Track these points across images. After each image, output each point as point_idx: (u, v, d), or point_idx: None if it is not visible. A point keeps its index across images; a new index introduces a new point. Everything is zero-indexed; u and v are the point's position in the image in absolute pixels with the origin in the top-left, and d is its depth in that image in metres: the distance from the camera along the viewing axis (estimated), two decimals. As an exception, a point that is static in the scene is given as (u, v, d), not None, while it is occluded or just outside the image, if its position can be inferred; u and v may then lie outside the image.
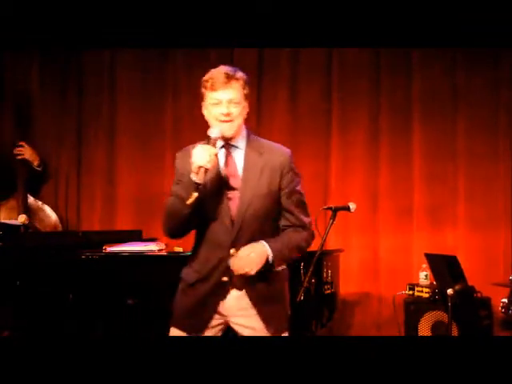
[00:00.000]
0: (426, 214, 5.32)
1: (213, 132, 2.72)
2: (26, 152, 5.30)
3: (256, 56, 5.53)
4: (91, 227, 5.69)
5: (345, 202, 4.30)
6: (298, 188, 2.86)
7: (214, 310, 2.79)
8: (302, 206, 2.87)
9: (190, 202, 2.63)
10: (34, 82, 5.75)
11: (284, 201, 2.82)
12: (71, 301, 4.27)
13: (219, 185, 2.77)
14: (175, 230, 2.82)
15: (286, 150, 2.87)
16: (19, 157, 5.28)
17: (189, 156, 2.71)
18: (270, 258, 2.71)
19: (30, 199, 5.29)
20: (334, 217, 3.87)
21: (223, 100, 2.74)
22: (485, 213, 5.23)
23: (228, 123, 2.75)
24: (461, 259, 3.88)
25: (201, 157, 2.64)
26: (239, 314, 2.79)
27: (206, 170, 2.65)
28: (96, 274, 4.33)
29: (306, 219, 2.87)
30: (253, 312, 2.78)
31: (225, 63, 5.62)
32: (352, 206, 4.06)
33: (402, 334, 4.88)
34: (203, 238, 2.81)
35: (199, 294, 2.80)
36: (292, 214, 2.84)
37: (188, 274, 2.87)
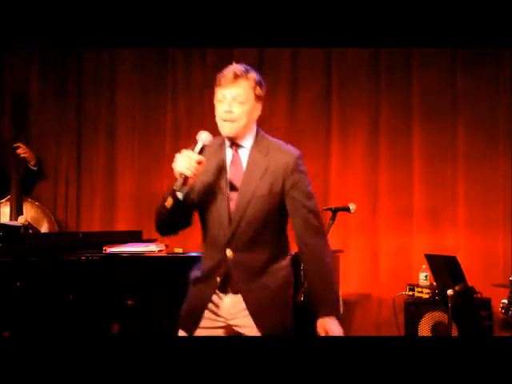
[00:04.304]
0: (426, 214, 5.31)
1: (200, 137, 2.65)
2: (25, 152, 5.32)
3: (256, 56, 5.53)
4: (91, 226, 5.69)
5: (345, 202, 4.30)
6: (308, 190, 2.75)
7: (202, 309, 2.72)
8: (314, 209, 2.75)
9: (167, 205, 2.61)
10: (33, 82, 5.75)
11: (289, 203, 2.70)
12: (71, 301, 4.27)
13: (223, 185, 2.70)
14: (161, 229, 2.78)
15: (294, 151, 2.73)
16: (22, 155, 5.30)
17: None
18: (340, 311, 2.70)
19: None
20: (333, 217, 3.88)
21: (227, 97, 2.64)
22: (485, 213, 5.22)
23: (229, 123, 2.65)
24: (461, 260, 3.88)
25: (181, 163, 2.57)
26: (237, 316, 2.73)
27: (187, 178, 2.56)
28: (96, 275, 4.33)
29: (318, 224, 2.74)
30: (243, 314, 2.71)
31: (224, 63, 5.62)
32: (352, 206, 4.07)
33: (402, 335, 4.88)
34: (205, 237, 2.78)
35: (196, 292, 2.77)
36: (301, 217, 2.71)
37: (192, 273, 2.83)
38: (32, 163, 5.35)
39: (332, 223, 3.70)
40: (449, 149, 5.32)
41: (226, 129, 2.67)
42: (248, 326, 2.72)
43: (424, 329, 4.81)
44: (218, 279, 2.70)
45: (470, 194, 5.25)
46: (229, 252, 2.68)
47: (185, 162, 2.56)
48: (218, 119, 2.69)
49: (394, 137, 5.40)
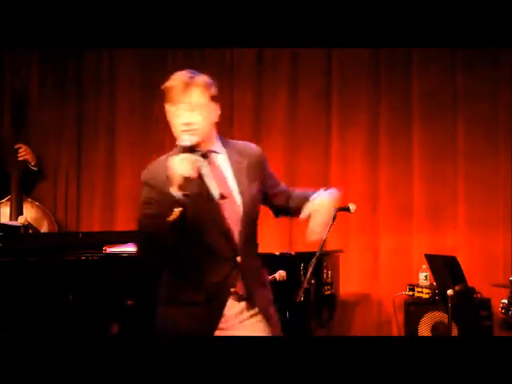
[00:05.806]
0: (426, 214, 5.31)
1: (184, 140, 2.50)
2: (26, 153, 5.31)
3: (256, 56, 5.53)
4: (91, 226, 5.69)
5: (345, 202, 4.28)
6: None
7: (216, 326, 2.62)
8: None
9: (173, 217, 2.40)
10: (33, 82, 5.75)
11: (274, 185, 2.80)
12: (71, 301, 4.27)
13: (207, 196, 2.57)
14: (156, 256, 2.66)
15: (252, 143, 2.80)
16: (21, 158, 5.29)
17: (159, 172, 2.54)
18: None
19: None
20: (333, 217, 3.85)
21: (182, 109, 2.55)
22: (485, 213, 5.22)
23: (191, 133, 2.52)
24: (461, 260, 3.88)
25: (183, 166, 2.41)
26: (240, 325, 2.66)
27: (189, 181, 2.40)
28: (96, 275, 4.33)
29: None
30: (255, 320, 2.66)
31: (225, 63, 5.61)
32: (352, 206, 4.04)
33: (402, 335, 4.88)
34: (196, 254, 2.60)
35: (210, 310, 2.61)
36: (281, 187, 2.83)
37: (184, 293, 2.63)
38: (32, 164, 5.34)
39: (332, 223, 3.68)
40: (449, 147, 5.32)
41: (188, 140, 2.52)
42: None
43: (424, 329, 4.81)
44: (233, 289, 2.61)
45: (470, 193, 5.25)
46: (239, 258, 2.61)
47: (186, 164, 2.42)
48: (178, 133, 2.57)
49: (393, 136, 5.40)
